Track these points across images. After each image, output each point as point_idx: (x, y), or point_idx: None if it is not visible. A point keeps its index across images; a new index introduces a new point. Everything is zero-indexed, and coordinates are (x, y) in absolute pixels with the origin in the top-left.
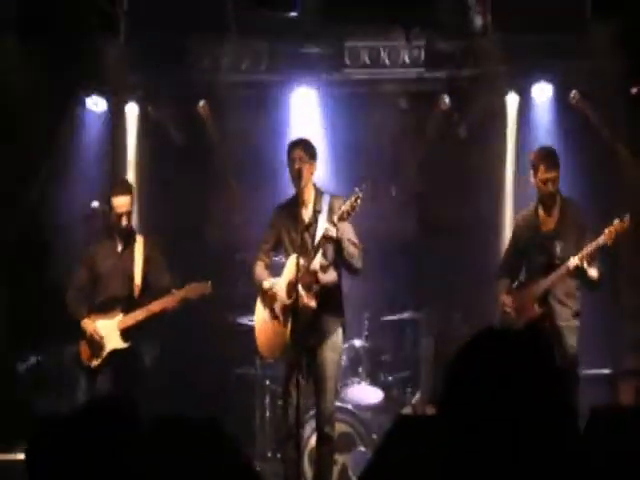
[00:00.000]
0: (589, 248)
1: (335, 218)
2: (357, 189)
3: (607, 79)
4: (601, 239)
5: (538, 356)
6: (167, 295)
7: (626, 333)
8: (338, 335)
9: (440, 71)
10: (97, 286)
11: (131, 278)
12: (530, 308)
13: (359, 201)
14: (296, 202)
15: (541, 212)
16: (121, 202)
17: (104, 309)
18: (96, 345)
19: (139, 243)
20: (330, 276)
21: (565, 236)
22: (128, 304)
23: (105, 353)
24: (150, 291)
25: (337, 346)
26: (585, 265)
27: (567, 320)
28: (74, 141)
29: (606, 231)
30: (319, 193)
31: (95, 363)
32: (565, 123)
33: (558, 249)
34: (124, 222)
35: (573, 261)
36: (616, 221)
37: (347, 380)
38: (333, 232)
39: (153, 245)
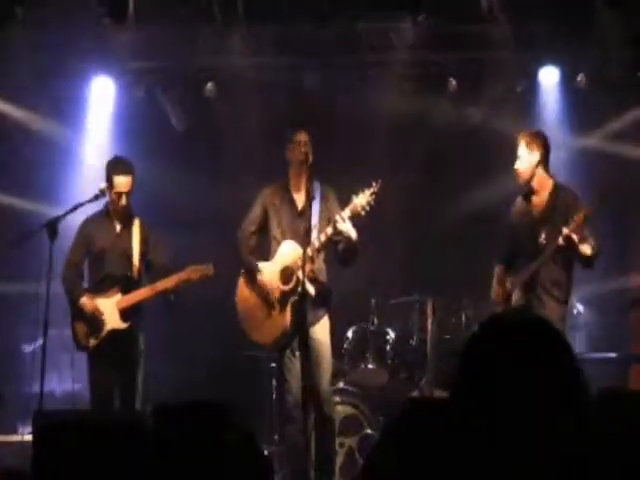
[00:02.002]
0: (577, 220)
1: (348, 212)
2: (374, 183)
3: (615, 63)
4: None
5: (549, 341)
6: (170, 276)
7: None
8: (326, 317)
9: (448, 54)
10: (94, 265)
11: (129, 258)
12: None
13: (374, 196)
14: (287, 186)
15: (532, 197)
16: (122, 181)
17: (102, 288)
18: (96, 324)
19: (136, 224)
20: (320, 261)
21: (553, 220)
22: (127, 284)
23: (104, 333)
24: (151, 270)
25: (326, 328)
26: (576, 239)
27: (552, 309)
28: (81, 120)
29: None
30: (311, 180)
31: (93, 342)
32: (572, 107)
33: (544, 233)
34: (123, 202)
35: (565, 231)
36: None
37: (354, 362)
38: (344, 227)
39: (150, 226)
